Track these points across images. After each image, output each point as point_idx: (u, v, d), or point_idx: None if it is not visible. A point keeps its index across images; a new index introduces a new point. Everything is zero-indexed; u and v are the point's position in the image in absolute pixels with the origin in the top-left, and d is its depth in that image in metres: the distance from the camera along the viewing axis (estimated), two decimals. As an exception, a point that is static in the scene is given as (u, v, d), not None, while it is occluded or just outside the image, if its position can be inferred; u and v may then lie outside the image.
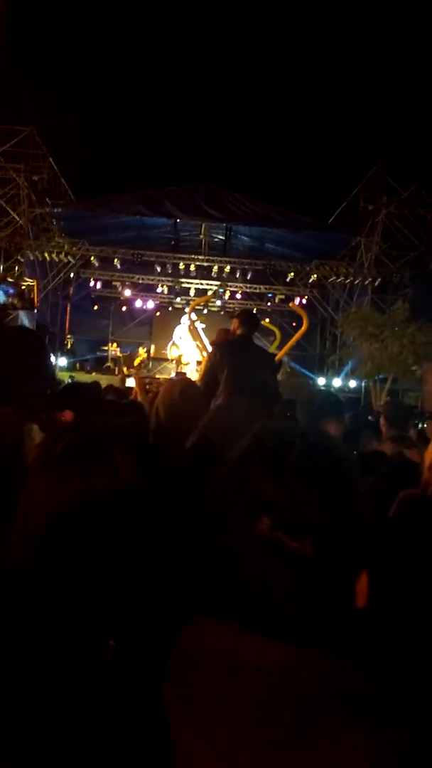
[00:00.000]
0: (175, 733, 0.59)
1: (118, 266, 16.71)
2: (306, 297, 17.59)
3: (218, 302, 17.41)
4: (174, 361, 16.92)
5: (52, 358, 13.92)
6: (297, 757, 0.53)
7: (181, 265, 16.61)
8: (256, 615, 0.59)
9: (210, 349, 4.12)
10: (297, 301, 18.06)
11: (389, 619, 0.73)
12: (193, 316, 12.21)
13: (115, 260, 16.45)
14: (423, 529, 1.12)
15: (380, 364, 12.92)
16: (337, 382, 15.53)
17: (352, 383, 15.47)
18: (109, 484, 0.76)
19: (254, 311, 4.51)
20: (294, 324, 18.72)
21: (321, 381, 15.80)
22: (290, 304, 11.43)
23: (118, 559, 0.73)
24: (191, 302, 14.64)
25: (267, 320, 14.77)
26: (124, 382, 9.96)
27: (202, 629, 0.63)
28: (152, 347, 18.17)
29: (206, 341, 7.98)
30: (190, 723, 0.58)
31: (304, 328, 5.70)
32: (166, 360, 17.56)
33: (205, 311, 17.41)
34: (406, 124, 19.61)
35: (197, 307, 15.26)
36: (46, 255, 15.46)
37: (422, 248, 15.51)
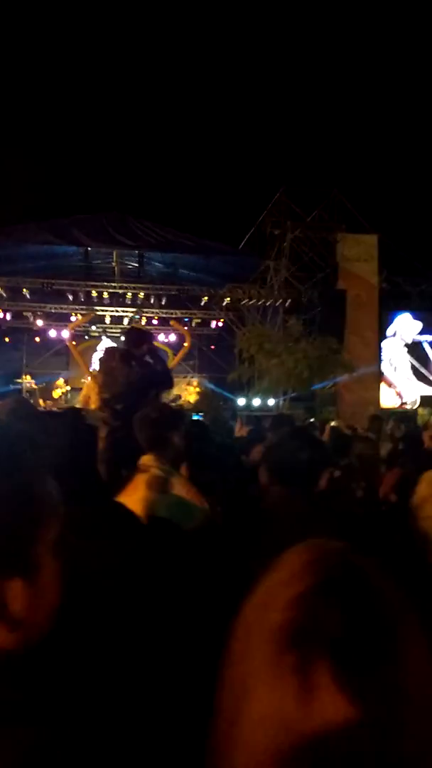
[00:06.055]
0: None
1: (28, 296, 16.27)
2: (222, 320, 17.83)
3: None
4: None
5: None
6: None
7: (94, 293, 16.40)
8: None
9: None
10: (213, 324, 18.29)
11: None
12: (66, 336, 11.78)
13: (24, 290, 16.01)
14: None
15: (279, 380, 13.29)
16: (256, 402, 15.75)
17: (271, 402, 15.74)
18: None
19: (139, 329, 4.56)
20: (212, 347, 18.94)
21: (241, 401, 15.96)
22: (171, 323, 11.47)
23: None
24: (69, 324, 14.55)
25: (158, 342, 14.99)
26: None
27: None
28: (73, 377, 17.71)
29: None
30: None
31: (187, 345, 5.73)
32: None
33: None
34: (306, 152, 20.69)
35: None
36: None
37: (328, 269, 16.21)
